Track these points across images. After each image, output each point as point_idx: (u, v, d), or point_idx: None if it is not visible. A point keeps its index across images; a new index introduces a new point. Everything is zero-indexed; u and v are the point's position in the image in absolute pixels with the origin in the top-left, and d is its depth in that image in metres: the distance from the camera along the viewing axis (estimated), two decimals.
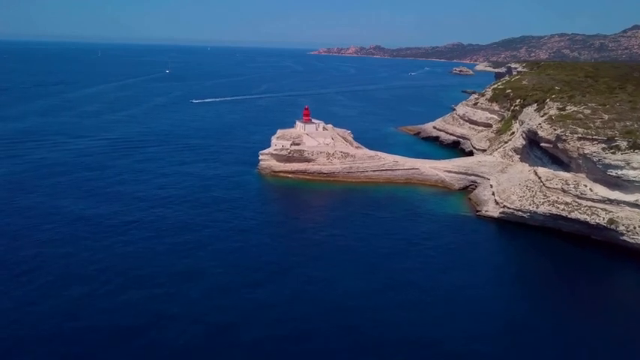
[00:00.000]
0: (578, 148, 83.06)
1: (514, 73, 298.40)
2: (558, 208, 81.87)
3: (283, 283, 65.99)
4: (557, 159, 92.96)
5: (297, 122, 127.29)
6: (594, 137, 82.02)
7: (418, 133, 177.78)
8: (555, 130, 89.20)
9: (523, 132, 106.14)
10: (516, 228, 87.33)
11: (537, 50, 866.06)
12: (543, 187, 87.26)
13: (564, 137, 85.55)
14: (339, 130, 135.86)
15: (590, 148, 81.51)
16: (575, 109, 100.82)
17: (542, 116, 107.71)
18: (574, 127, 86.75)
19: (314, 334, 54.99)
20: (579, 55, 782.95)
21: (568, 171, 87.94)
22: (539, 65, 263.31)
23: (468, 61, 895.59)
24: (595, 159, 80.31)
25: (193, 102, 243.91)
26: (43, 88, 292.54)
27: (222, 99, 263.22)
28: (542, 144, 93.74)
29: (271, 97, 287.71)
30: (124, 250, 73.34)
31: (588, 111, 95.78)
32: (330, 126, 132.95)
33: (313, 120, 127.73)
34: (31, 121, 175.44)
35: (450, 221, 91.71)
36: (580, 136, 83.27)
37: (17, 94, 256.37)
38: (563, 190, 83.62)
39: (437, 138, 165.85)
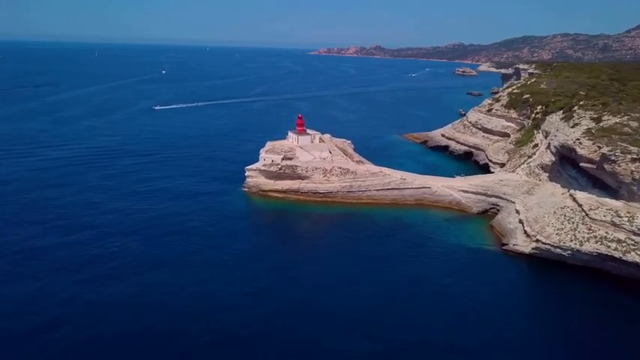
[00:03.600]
0: (633, 171, 67.27)
1: (524, 74, 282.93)
2: (609, 247, 66.04)
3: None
4: (599, 181, 77.22)
5: (290, 133, 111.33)
6: None
7: (425, 141, 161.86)
8: (600, 147, 73.40)
9: (554, 147, 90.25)
10: (553, 268, 71.41)
11: (540, 50, 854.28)
12: (587, 219, 71.36)
13: (614, 157, 69.71)
14: (338, 140, 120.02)
15: None
16: (617, 120, 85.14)
17: (572, 127, 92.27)
18: (624, 144, 70.98)
19: None
20: (583, 55, 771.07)
21: (617, 198, 72.16)
22: (551, 66, 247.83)
23: (469, 62, 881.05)
24: None
25: (182, 106, 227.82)
26: (26, 90, 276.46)
27: (214, 102, 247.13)
28: (581, 164, 77.83)
29: (268, 100, 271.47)
30: (73, 298, 58.40)
31: (635, 123, 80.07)
32: (327, 136, 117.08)
33: (308, 130, 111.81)
34: None
35: (469, 257, 75.86)
36: (635, 156, 67.42)
37: None
38: (614, 224, 67.74)
39: (446, 148, 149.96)
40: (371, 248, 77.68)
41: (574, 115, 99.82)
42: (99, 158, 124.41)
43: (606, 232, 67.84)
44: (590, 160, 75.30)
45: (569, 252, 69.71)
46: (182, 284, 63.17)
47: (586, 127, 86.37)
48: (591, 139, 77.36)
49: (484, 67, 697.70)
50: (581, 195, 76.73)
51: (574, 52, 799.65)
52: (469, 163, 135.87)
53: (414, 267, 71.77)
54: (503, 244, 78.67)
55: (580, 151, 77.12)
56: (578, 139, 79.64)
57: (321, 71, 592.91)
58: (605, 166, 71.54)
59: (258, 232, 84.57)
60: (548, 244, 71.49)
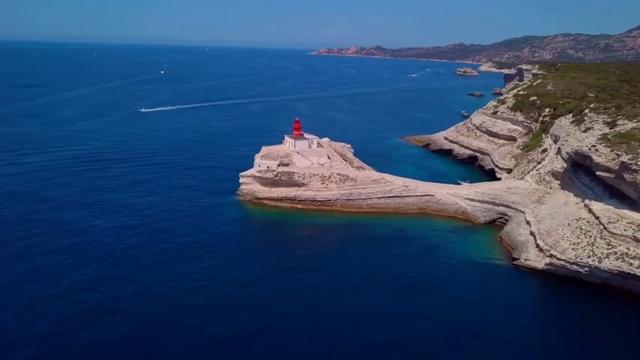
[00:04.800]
0: None
1: (527, 75, 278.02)
2: (631, 264, 60.68)
3: None
4: (616, 190, 71.92)
5: (286, 137, 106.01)
6: None
7: (427, 144, 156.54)
8: (619, 155, 68.15)
9: (566, 153, 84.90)
10: (569, 285, 66.09)
11: (541, 50, 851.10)
12: (605, 232, 66.08)
13: (635, 167, 64.42)
14: (337, 144, 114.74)
15: None
16: (634, 125, 79.82)
17: (584, 131, 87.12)
18: None
19: None
20: (584, 55, 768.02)
21: (637, 210, 66.83)
22: (556, 67, 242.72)
23: (470, 62, 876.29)
24: None
25: (178, 108, 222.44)
26: (19, 90, 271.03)
27: (211, 104, 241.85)
28: (598, 172, 72.50)
29: (266, 101, 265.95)
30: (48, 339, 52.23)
31: None
32: (325, 140, 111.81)
33: (305, 134, 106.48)
34: None
35: (477, 272, 70.61)
36: None
37: None
38: (636, 239, 62.44)
39: (449, 151, 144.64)
40: (372, 263, 72.37)
41: (585, 118, 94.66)
42: (85, 164, 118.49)
43: (627, 248, 62.54)
44: (607, 169, 70.03)
45: (587, 269, 64.36)
46: (169, 321, 57.13)
47: (601, 133, 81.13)
48: (608, 146, 72.10)
49: (485, 67, 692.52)
50: (597, 206, 71.39)
51: (575, 52, 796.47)
52: (474, 167, 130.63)
53: (418, 284, 66.55)
54: (514, 259, 73.32)
55: (596, 158, 71.82)
56: (594, 146, 74.34)
57: (320, 71, 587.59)
58: (625, 175, 66.25)
59: (251, 248, 78.20)
60: (564, 259, 66.14)
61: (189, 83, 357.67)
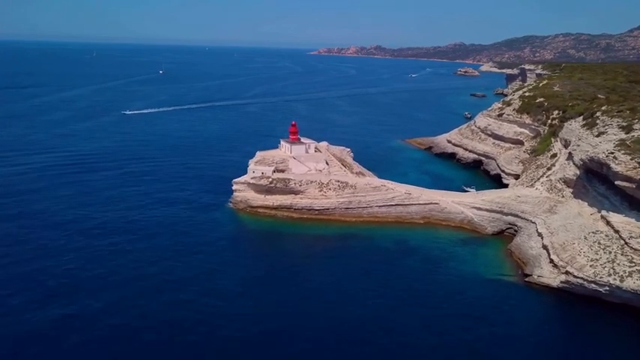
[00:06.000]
0: None
1: (530, 75, 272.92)
2: None
3: None
4: (634, 200, 66.53)
5: (282, 142, 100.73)
6: None
7: (430, 147, 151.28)
8: None
9: (580, 160, 79.54)
10: (587, 305, 60.81)
11: (542, 50, 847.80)
12: (627, 248, 60.81)
13: None
14: (336, 148, 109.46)
15: None
16: None
17: (597, 136, 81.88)
18: None
19: None
20: (585, 55, 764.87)
21: None
22: (560, 67, 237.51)
23: (470, 62, 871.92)
24: None
25: (175, 109, 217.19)
26: (13, 91, 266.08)
27: (208, 104, 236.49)
28: (616, 182, 67.15)
29: (264, 102, 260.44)
30: None
31: None
32: (324, 144, 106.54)
33: (302, 139, 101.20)
34: None
35: (486, 290, 65.31)
36: None
37: None
38: None
39: (453, 155, 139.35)
40: (373, 280, 67.15)
41: (597, 122, 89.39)
42: (70, 169, 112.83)
43: None
44: (628, 178, 64.62)
45: (607, 288, 59.09)
46: (158, 340, 52.12)
47: (617, 138, 75.81)
48: (628, 153, 66.71)
49: (486, 67, 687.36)
50: (616, 218, 66.03)
51: (576, 52, 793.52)
52: (479, 172, 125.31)
53: (422, 303, 61.30)
54: (526, 275, 68.01)
55: (615, 167, 66.44)
56: (612, 153, 68.96)
57: (320, 71, 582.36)
58: None
59: (244, 262, 72.44)
60: (582, 277, 60.86)
61: (187, 83, 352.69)
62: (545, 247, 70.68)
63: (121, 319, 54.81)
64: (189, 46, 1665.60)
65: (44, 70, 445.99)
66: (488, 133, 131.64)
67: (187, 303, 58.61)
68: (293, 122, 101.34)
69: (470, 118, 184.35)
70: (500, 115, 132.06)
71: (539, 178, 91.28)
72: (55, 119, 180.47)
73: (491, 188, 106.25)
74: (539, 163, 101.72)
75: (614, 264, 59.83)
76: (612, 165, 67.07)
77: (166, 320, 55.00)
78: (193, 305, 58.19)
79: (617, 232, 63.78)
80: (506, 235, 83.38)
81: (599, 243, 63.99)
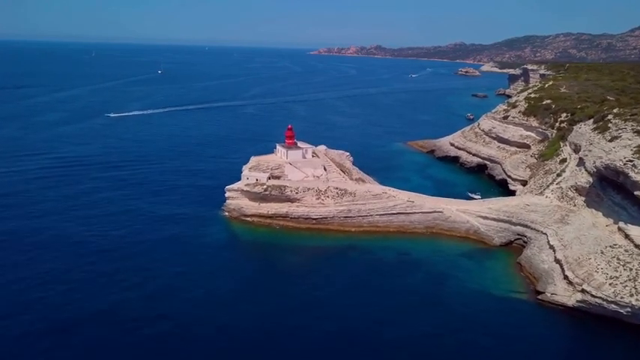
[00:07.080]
0: None
1: (533, 75, 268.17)
2: None
3: None
4: None
5: (278, 147, 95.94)
6: None
7: (432, 150, 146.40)
8: None
9: (594, 167, 74.73)
10: (606, 327, 56.04)
11: (542, 50, 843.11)
12: None
13: None
14: (335, 152, 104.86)
15: None
16: None
17: (610, 140, 77.32)
18: None
19: None
20: (586, 55, 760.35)
21: None
22: (564, 67, 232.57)
23: (471, 61, 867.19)
24: None
25: (174, 110, 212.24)
26: (7, 91, 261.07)
27: (205, 105, 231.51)
28: (636, 192, 62.33)
29: (263, 103, 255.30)
30: None
31: None
32: (322, 148, 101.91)
33: (299, 143, 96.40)
34: None
35: (495, 308, 60.64)
36: None
37: None
38: None
39: (456, 159, 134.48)
40: (373, 296, 62.62)
41: (609, 125, 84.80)
42: (57, 172, 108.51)
43: None
44: None
45: (629, 309, 54.31)
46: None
47: (632, 143, 71.01)
48: None
49: (487, 67, 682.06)
50: (636, 231, 61.25)
51: (577, 51, 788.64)
52: (483, 177, 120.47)
53: (425, 323, 56.58)
54: (538, 292, 63.23)
55: (635, 176, 61.68)
56: (631, 161, 64.20)
57: (320, 72, 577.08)
58: None
59: (233, 276, 67.84)
60: (600, 297, 56.10)
61: (186, 83, 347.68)
62: (558, 261, 65.89)
63: (107, 331, 50.60)
64: (188, 46, 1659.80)
65: (42, 70, 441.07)
66: (493, 136, 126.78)
67: (172, 315, 54.26)
68: (289, 126, 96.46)
69: (472, 120, 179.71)
70: (505, 118, 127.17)
71: (548, 185, 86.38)
72: (49, 120, 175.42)
73: (497, 194, 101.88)
74: (547, 168, 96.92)
75: (636, 282, 55.04)
76: (631, 174, 62.30)
77: (152, 335, 50.73)
78: (179, 317, 53.60)
79: (637, 246, 59.00)
80: (514, 247, 78.63)
81: (618, 259, 59.20)
